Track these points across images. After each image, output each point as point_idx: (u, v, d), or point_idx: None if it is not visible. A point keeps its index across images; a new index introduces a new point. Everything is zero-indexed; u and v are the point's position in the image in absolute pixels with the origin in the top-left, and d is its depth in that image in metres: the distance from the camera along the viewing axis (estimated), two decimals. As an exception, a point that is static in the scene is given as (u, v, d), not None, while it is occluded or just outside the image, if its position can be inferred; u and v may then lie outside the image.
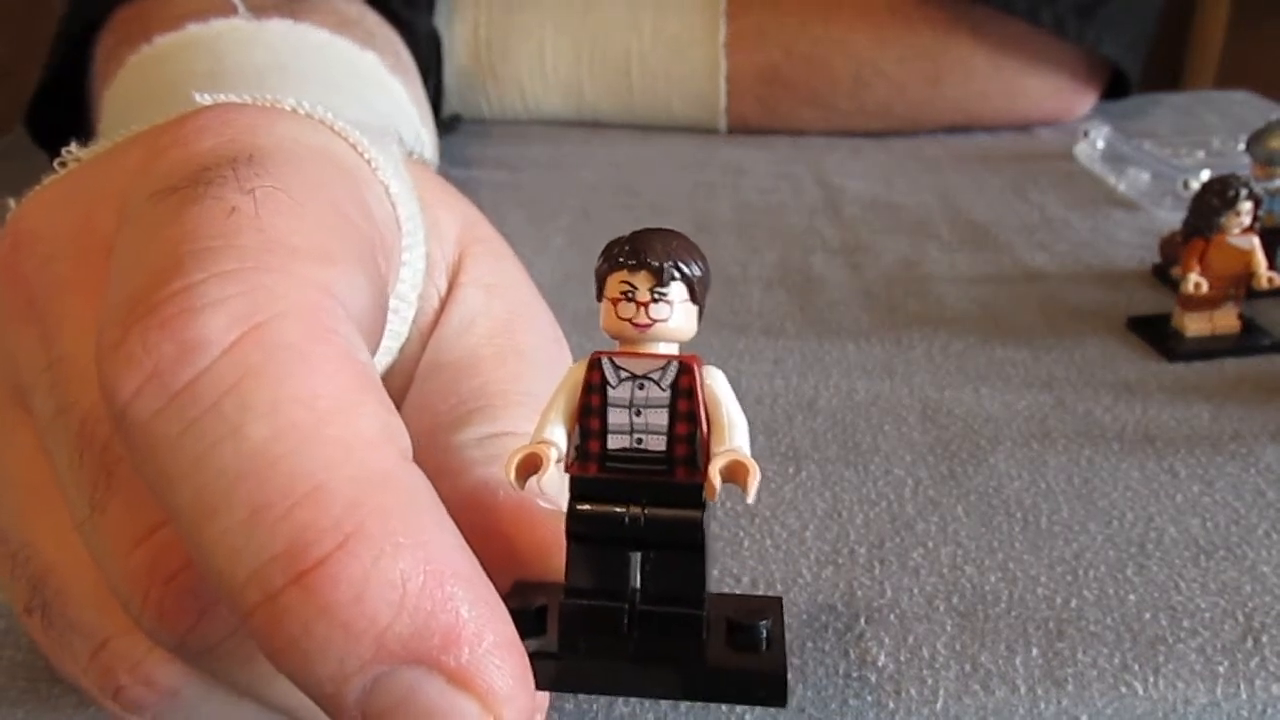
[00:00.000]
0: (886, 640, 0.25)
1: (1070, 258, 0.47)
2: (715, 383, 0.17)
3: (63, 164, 0.22)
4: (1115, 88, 0.69)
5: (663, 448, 0.16)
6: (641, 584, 0.17)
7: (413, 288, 0.22)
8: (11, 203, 0.22)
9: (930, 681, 0.24)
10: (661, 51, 0.66)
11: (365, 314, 0.17)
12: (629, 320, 0.16)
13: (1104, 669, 0.24)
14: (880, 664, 0.24)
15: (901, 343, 0.39)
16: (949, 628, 0.25)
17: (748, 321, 0.41)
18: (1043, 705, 0.23)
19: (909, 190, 0.57)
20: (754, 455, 0.17)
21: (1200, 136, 0.61)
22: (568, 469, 0.16)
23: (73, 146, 0.22)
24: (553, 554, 0.17)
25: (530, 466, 0.16)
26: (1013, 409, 0.35)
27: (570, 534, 0.16)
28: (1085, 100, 0.68)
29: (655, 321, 0.16)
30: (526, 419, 0.19)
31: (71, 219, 0.20)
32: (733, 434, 0.16)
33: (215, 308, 0.15)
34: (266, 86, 0.33)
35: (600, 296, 0.16)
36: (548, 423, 0.16)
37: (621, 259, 0.16)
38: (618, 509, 0.16)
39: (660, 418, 0.16)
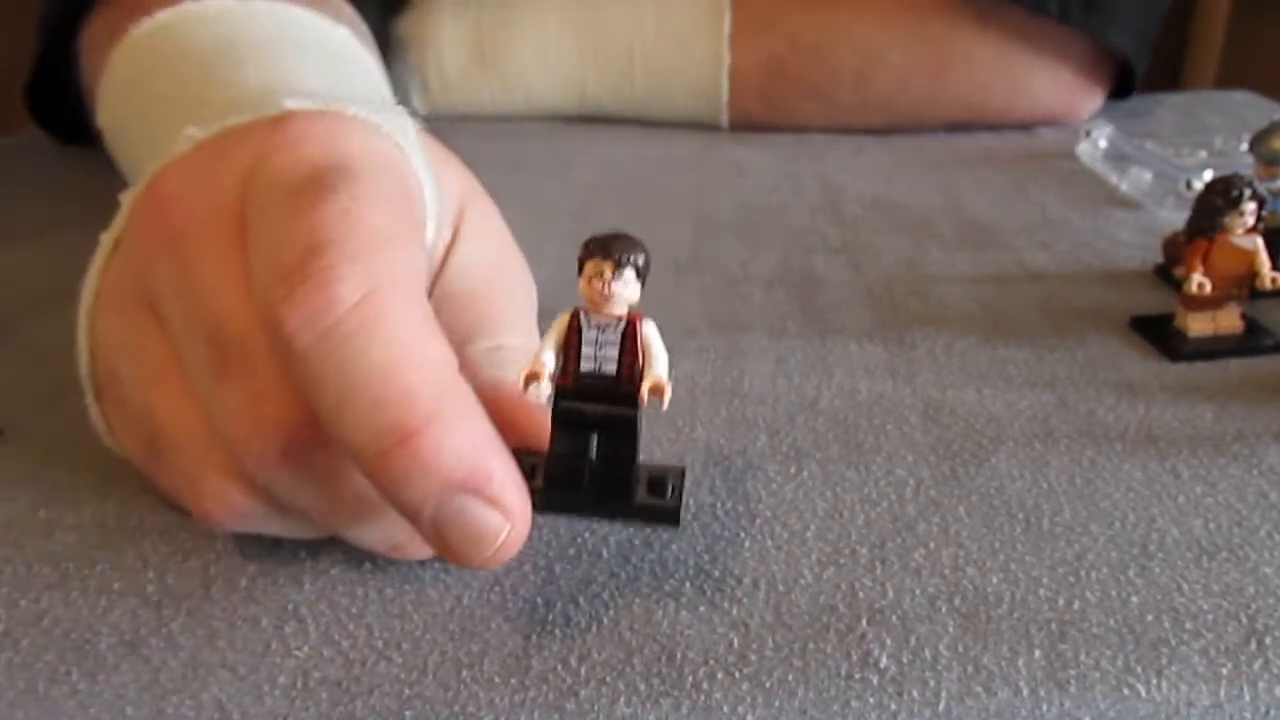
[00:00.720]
0: (888, 641, 0.25)
1: (1072, 257, 0.47)
2: (649, 332, 0.24)
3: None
4: (1119, 89, 0.69)
5: (614, 370, 0.24)
6: (597, 454, 0.25)
7: (429, 243, 0.29)
8: (122, 198, 0.30)
9: (932, 683, 0.24)
10: (665, 45, 0.65)
11: (424, 274, 0.26)
12: (597, 291, 0.24)
13: (1106, 671, 0.24)
14: (882, 665, 0.24)
15: (904, 342, 0.39)
16: (951, 629, 0.25)
17: (749, 321, 0.41)
18: (1045, 707, 0.23)
19: (911, 189, 0.57)
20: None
21: (1202, 137, 0.61)
22: (555, 380, 0.24)
23: (192, 129, 0.29)
24: (537, 433, 0.25)
25: (532, 378, 0.24)
26: (1015, 409, 0.35)
27: (555, 420, 0.25)
28: (1091, 99, 0.68)
29: (614, 293, 0.24)
30: (515, 335, 0.30)
31: (204, 187, 0.27)
32: (657, 365, 0.24)
33: (345, 280, 0.22)
34: (272, 59, 0.37)
35: (580, 274, 0.24)
36: (544, 351, 0.24)
37: (593, 254, 0.24)
38: (585, 405, 0.25)
39: (613, 353, 0.24)
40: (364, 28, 0.52)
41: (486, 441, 0.23)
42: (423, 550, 0.26)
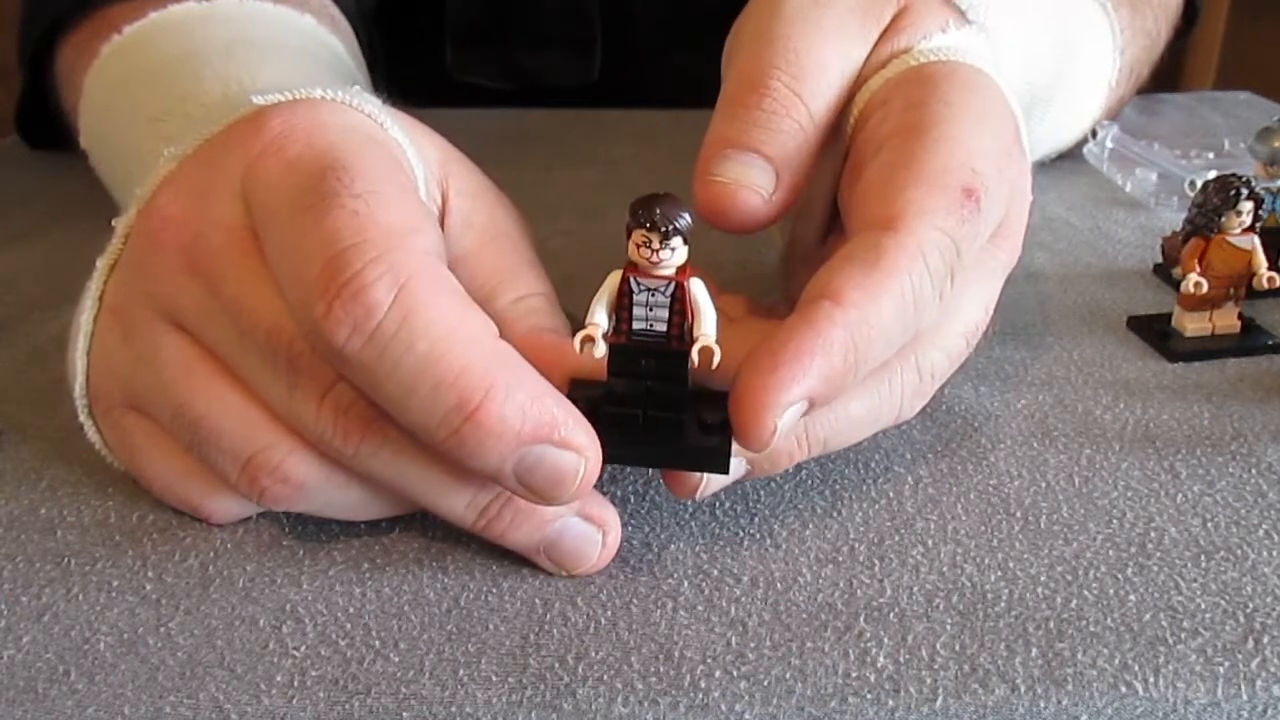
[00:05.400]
0: (886, 639, 0.25)
1: (1071, 257, 0.47)
2: (697, 292, 0.25)
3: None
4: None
5: (664, 329, 0.25)
6: (648, 407, 0.26)
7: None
8: (115, 223, 0.30)
9: (929, 680, 0.24)
10: None
11: (442, 247, 0.27)
12: (645, 258, 0.25)
13: (1104, 669, 0.24)
14: (880, 663, 0.24)
15: (902, 342, 0.39)
16: (949, 626, 0.25)
17: (748, 320, 0.41)
18: (1042, 705, 0.23)
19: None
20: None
21: (1208, 138, 0.61)
22: (609, 339, 0.25)
23: (171, 149, 0.30)
24: (579, 372, 0.27)
25: (587, 340, 0.25)
26: (1013, 407, 0.35)
27: (610, 376, 0.26)
28: None
29: (661, 260, 0.25)
30: (531, 282, 0.31)
31: (201, 205, 0.28)
32: (705, 324, 0.25)
33: (376, 283, 0.24)
34: (231, 65, 0.37)
35: (628, 238, 0.25)
36: (596, 311, 0.25)
37: (640, 223, 0.24)
38: (640, 359, 0.26)
39: (663, 312, 0.25)
40: (334, 10, 0.52)
41: (543, 392, 0.24)
42: (508, 522, 0.27)
